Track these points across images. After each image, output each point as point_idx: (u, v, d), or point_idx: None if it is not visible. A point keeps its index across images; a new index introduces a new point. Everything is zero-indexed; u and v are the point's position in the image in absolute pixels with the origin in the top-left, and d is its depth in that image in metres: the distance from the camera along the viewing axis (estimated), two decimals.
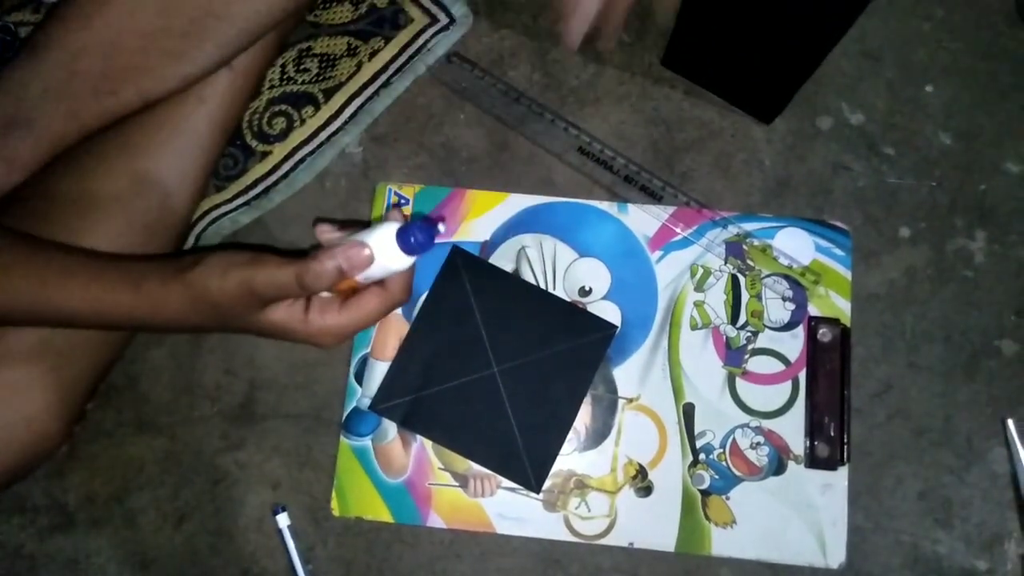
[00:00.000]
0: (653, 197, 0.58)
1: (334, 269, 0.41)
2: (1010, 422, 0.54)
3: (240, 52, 0.52)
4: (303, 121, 0.60)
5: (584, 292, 0.57)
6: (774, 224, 0.58)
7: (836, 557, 0.52)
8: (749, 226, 0.57)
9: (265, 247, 0.59)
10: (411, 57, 0.61)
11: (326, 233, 0.45)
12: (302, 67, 0.60)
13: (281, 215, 0.60)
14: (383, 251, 0.42)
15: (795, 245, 0.57)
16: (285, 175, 0.59)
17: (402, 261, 0.42)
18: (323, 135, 0.60)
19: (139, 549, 0.55)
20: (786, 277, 0.56)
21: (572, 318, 0.56)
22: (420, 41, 0.61)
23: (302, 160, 0.60)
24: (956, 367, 0.56)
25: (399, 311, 0.57)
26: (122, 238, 0.50)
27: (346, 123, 0.60)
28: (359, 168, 0.60)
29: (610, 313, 0.56)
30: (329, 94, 0.60)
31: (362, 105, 0.60)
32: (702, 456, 0.54)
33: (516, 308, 0.56)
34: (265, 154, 0.59)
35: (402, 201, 0.59)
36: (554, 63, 0.61)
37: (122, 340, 0.53)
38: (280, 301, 0.43)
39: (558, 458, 0.54)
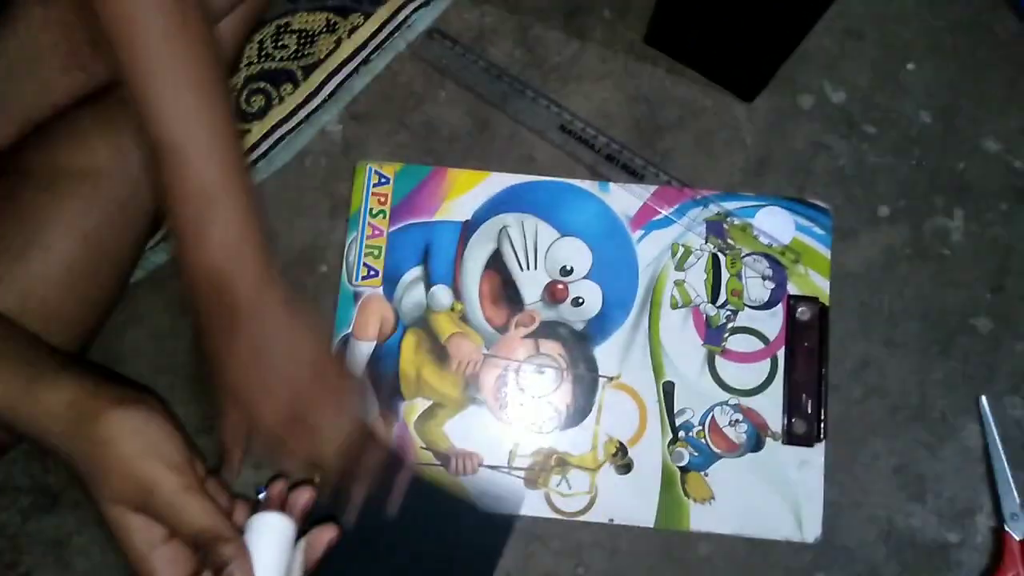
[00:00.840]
0: (634, 176, 0.58)
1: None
2: (984, 399, 0.55)
3: (214, 24, 0.51)
4: (282, 99, 0.59)
5: (565, 271, 0.57)
6: (755, 203, 0.58)
7: (812, 531, 0.53)
8: (730, 205, 0.58)
9: None
10: (391, 34, 0.60)
11: (274, 498, 0.46)
12: (280, 43, 0.60)
13: (260, 194, 0.59)
14: None
15: (775, 224, 0.57)
16: (264, 154, 0.59)
17: None
18: (302, 113, 0.59)
19: None
20: (766, 256, 0.57)
21: (466, 516, 0.53)
22: (400, 17, 0.60)
23: (281, 139, 0.59)
24: (932, 345, 0.56)
25: (381, 292, 0.57)
26: (94, 216, 0.49)
27: (325, 101, 0.59)
28: (339, 147, 0.60)
29: (591, 292, 0.56)
30: (308, 71, 0.59)
31: (341, 82, 0.60)
32: (681, 433, 0.55)
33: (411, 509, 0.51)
34: (243, 133, 0.59)
35: (382, 181, 0.58)
36: (536, 40, 0.61)
37: (98, 315, 0.53)
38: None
39: (539, 436, 0.55)
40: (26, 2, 0.48)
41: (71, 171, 0.49)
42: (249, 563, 0.41)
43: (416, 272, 0.57)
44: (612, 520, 0.54)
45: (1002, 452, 0.54)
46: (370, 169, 0.59)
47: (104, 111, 0.51)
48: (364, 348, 0.56)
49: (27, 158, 0.49)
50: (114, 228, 0.50)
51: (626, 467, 0.55)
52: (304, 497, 0.47)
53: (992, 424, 0.55)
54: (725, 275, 0.57)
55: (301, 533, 0.47)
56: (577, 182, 0.58)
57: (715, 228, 0.57)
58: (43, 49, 0.48)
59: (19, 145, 0.50)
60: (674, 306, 0.56)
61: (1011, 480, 0.53)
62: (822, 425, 0.54)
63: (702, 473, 0.54)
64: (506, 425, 0.55)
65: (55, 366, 0.42)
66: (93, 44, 0.49)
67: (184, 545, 0.41)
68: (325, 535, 0.46)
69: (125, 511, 0.40)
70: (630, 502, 0.54)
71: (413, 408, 0.55)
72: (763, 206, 0.58)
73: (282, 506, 0.47)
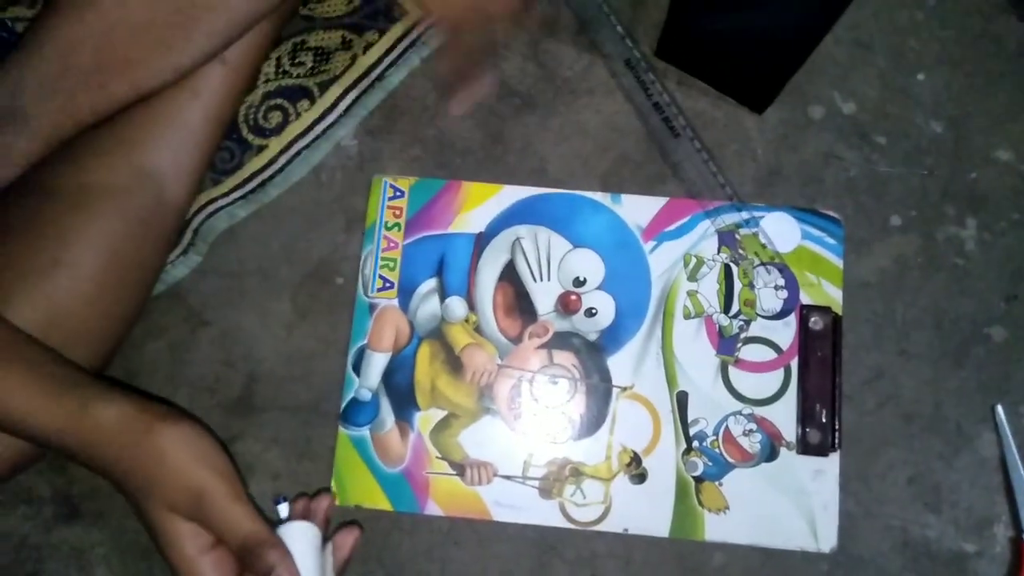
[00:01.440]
0: (671, 133, 0.58)
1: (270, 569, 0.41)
2: (999, 408, 0.55)
3: (232, 42, 0.53)
4: (298, 115, 0.60)
5: (578, 283, 0.57)
6: (765, 214, 0.58)
7: (827, 541, 0.53)
8: (740, 215, 0.58)
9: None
10: (405, 50, 0.61)
11: (298, 510, 0.48)
12: (297, 60, 0.61)
13: (277, 209, 0.60)
14: None
15: (781, 230, 0.58)
16: (281, 169, 0.60)
17: None
18: (318, 128, 0.60)
19: (143, 539, 0.55)
20: (778, 266, 0.57)
21: None
22: (414, 34, 0.61)
23: (298, 154, 0.60)
24: (946, 354, 0.56)
25: (396, 303, 0.57)
26: (118, 233, 0.50)
27: (341, 116, 0.60)
28: (354, 161, 0.61)
29: (604, 303, 0.57)
30: (324, 87, 0.61)
31: (357, 98, 0.61)
32: (695, 443, 0.55)
33: None
34: (261, 148, 0.60)
35: (397, 194, 0.59)
36: (546, 54, 0.62)
37: (121, 331, 0.54)
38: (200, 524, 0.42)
39: (553, 446, 0.55)
40: (57, 21, 0.50)
41: (96, 190, 0.50)
42: (294, 566, 0.43)
43: (431, 284, 0.58)
44: (626, 530, 0.54)
45: (1019, 461, 0.54)
46: (385, 183, 0.59)
47: (124, 131, 0.52)
48: (379, 359, 0.57)
49: (52, 177, 0.51)
50: (137, 245, 0.52)
51: (640, 477, 0.55)
52: (324, 503, 0.50)
53: (1008, 433, 0.54)
54: (738, 285, 0.57)
55: (325, 540, 0.49)
56: (589, 194, 0.59)
57: (727, 239, 0.58)
58: (68, 69, 0.50)
59: (44, 164, 0.51)
60: (687, 316, 0.57)
61: None
62: (836, 435, 0.55)
63: (716, 483, 0.54)
64: (520, 435, 0.56)
65: (102, 388, 0.44)
66: (116, 64, 0.50)
67: (229, 551, 0.43)
68: (350, 537, 0.49)
69: (176, 519, 0.42)
70: (644, 512, 0.54)
71: (428, 418, 0.56)
72: (769, 213, 0.58)
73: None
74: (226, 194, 0.59)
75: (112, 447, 0.42)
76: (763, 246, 0.57)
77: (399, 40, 0.61)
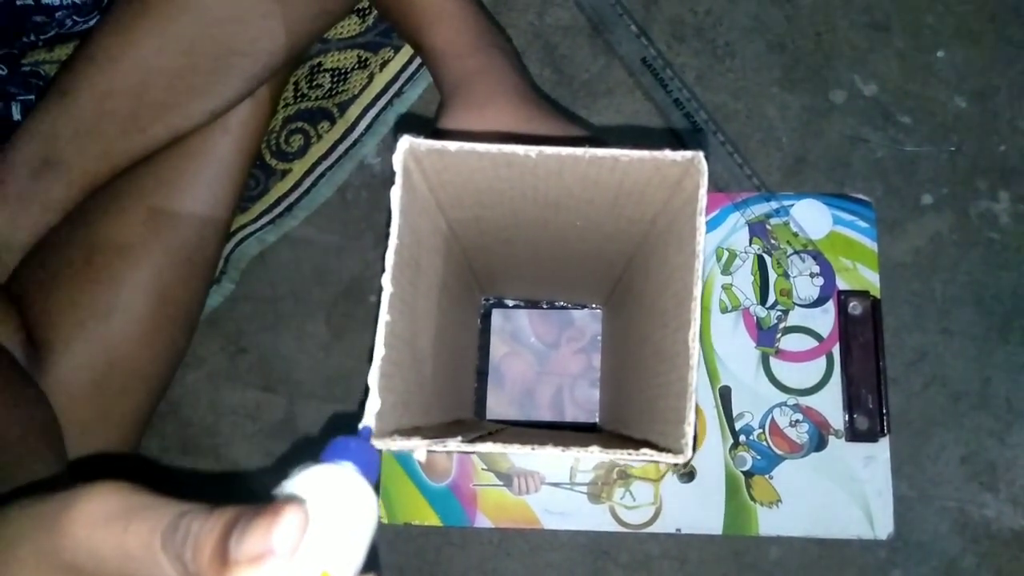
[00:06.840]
0: (693, 128, 0.58)
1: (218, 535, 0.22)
2: None
3: (264, 83, 0.53)
4: (320, 136, 0.60)
5: None
6: (794, 202, 0.58)
7: (884, 528, 0.53)
8: (770, 205, 0.58)
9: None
10: (421, 64, 0.61)
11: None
12: (315, 83, 0.61)
13: (305, 231, 0.60)
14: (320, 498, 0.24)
15: (812, 217, 0.57)
16: (307, 191, 0.60)
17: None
18: (341, 148, 0.60)
19: None
20: (812, 253, 0.57)
21: None
22: None
23: (322, 175, 0.60)
24: (989, 329, 0.56)
25: None
26: (166, 273, 0.51)
27: (363, 135, 0.61)
28: (379, 179, 0.61)
29: None
30: (344, 107, 0.61)
31: (377, 116, 0.61)
32: (742, 438, 0.55)
33: None
34: (285, 172, 0.60)
35: None
36: (563, 58, 0.62)
37: (175, 364, 0.55)
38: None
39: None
40: (92, 69, 0.50)
41: (140, 236, 0.51)
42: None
43: None
44: (679, 530, 0.54)
45: None
46: None
47: (159, 173, 0.52)
48: None
49: (94, 228, 0.51)
50: (184, 283, 0.52)
51: (689, 475, 0.54)
52: None
53: None
54: (772, 275, 0.57)
55: None
56: None
57: (758, 229, 0.57)
58: (104, 115, 0.50)
59: (82, 214, 0.51)
60: (723, 310, 0.56)
61: None
62: (885, 419, 0.54)
63: (767, 476, 0.54)
64: None
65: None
66: (153, 109, 0.50)
67: None
68: None
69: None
70: (696, 511, 0.54)
71: None
72: (798, 201, 0.57)
73: None
74: (254, 220, 0.59)
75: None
76: (795, 234, 0.57)
77: (414, 55, 0.61)
